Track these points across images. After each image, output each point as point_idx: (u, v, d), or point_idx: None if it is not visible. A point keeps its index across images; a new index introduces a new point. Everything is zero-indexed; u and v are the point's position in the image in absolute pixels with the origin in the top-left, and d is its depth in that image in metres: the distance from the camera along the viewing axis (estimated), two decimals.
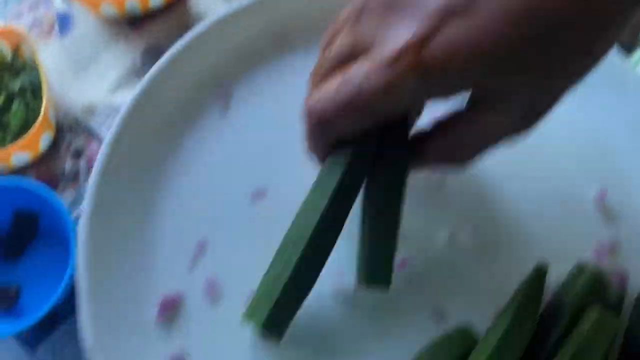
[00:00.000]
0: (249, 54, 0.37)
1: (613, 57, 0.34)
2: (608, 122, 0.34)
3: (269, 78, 0.37)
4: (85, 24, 0.54)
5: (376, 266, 0.27)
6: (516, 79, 0.22)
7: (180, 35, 0.44)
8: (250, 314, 0.27)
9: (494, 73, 0.22)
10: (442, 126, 0.26)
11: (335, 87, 0.24)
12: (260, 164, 0.34)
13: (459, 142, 0.26)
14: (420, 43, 0.22)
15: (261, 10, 0.37)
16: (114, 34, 0.53)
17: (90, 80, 0.50)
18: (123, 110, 0.34)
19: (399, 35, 0.22)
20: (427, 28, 0.21)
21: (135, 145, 0.34)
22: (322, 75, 0.26)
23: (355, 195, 0.27)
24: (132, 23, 0.53)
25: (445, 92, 0.23)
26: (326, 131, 0.26)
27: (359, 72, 0.23)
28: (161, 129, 0.35)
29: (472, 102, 0.25)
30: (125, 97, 0.45)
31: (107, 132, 0.36)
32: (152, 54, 0.52)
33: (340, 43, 0.26)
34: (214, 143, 0.35)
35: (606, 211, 0.33)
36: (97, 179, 0.32)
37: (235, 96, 0.37)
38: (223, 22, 0.36)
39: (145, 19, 0.53)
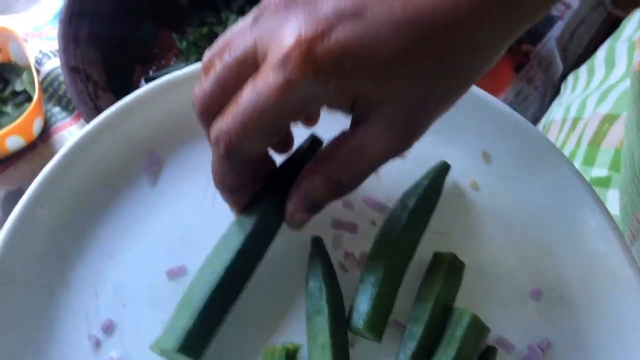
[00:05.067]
0: (182, 125, 0.37)
1: (553, 157, 0.36)
2: (545, 222, 0.36)
3: (203, 151, 0.36)
4: None
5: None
6: (396, 86, 0.24)
7: None
8: (164, 340, 0.28)
9: (377, 78, 0.24)
10: (325, 150, 0.28)
11: (237, 103, 0.25)
12: (182, 241, 0.34)
13: (342, 162, 0.27)
14: (312, 40, 0.23)
15: (195, 81, 0.37)
16: None
17: None
18: (41, 175, 0.33)
19: (292, 34, 0.23)
20: (319, 28, 0.23)
21: (51, 214, 0.33)
22: (219, 84, 0.27)
23: (268, 241, 0.31)
24: None
25: (335, 97, 0.25)
26: (236, 155, 0.27)
27: (257, 81, 0.24)
28: (82, 200, 0.34)
29: (353, 121, 0.27)
30: None
31: None
32: (15, 199, 0.54)
33: (238, 47, 0.26)
34: (138, 216, 0.34)
35: (541, 310, 0.33)
36: (5, 246, 0.31)
37: (166, 167, 0.36)
38: (156, 92, 0.36)
39: (6, 162, 0.56)
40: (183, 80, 0.36)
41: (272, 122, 0.25)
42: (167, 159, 0.36)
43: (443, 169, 0.35)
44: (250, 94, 0.25)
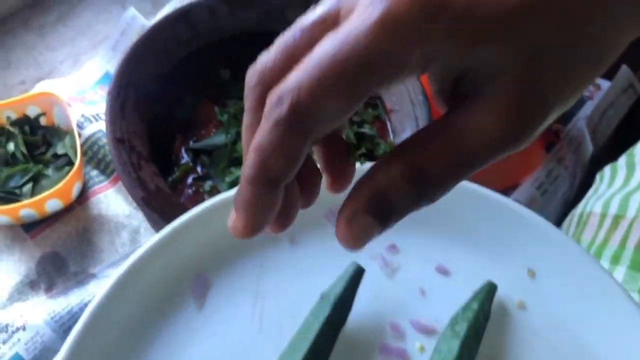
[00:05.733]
0: (230, 245, 0.37)
1: (600, 276, 0.36)
2: (596, 343, 0.36)
3: (249, 272, 0.37)
4: None
5: None
6: (516, 50, 0.19)
7: (78, 239, 0.46)
8: None
9: (494, 32, 0.19)
10: (408, 139, 0.21)
11: (312, 54, 0.19)
12: None
13: (432, 150, 0.20)
14: None
15: None
16: (8, 241, 0.57)
17: None
18: (93, 302, 0.34)
19: None
20: None
21: (101, 342, 0.33)
22: (287, 49, 0.21)
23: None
24: (29, 229, 0.57)
25: (441, 51, 0.19)
26: (301, 120, 0.19)
27: (343, 25, 0.19)
28: (130, 325, 0.35)
29: (452, 105, 0.21)
30: (18, 314, 0.46)
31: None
32: (49, 262, 0.56)
33: (318, 8, 0.21)
34: (184, 341, 0.34)
35: None
36: None
37: (213, 289, 0.36)
38: (205, 213, 0.37)
39: (43, 223, 0.58)
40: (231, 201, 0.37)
41: (358, 74, 0.19)
42: (214, 280, 0.37)
43: (490, 291, 0.35)
44: (332, 40, 0.19)
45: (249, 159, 0.21)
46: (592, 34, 0.20)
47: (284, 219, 0.23)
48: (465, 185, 0.37)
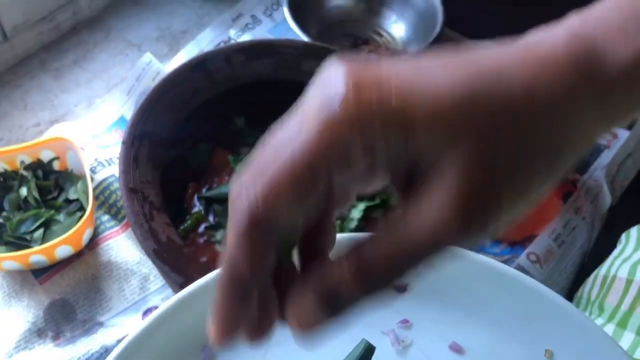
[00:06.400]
0: None
1: (611, 349, 0.35)
2: None
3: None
4: None
5: None
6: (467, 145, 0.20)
7: (87, 286, 0.46)
8: None
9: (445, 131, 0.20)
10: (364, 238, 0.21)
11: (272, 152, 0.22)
12: None
13: (375, 243, 0.21)
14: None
15: None
16: (17, 287, 0.57)
17: None
18: None
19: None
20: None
21: None
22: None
23: None
24: (38, 274, 0.57)
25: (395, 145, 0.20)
26: (264, 228, 0.21)
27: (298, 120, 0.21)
28: None
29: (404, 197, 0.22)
30: None
31: None
32: (57, 309, 0.56)
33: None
34: None
35: None
36: None
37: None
38: (210, 284, 0.37)
39: (52, 268, 0.57)
40: None
41: (323, 169, 0.21)
42: (219, 352, 0.36)
43: None
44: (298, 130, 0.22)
45: (222, 268, 0.22)
46: (551, 137, 0.21)
47: (259, 329, 0.23)
48: (482, 260, 0.36)
